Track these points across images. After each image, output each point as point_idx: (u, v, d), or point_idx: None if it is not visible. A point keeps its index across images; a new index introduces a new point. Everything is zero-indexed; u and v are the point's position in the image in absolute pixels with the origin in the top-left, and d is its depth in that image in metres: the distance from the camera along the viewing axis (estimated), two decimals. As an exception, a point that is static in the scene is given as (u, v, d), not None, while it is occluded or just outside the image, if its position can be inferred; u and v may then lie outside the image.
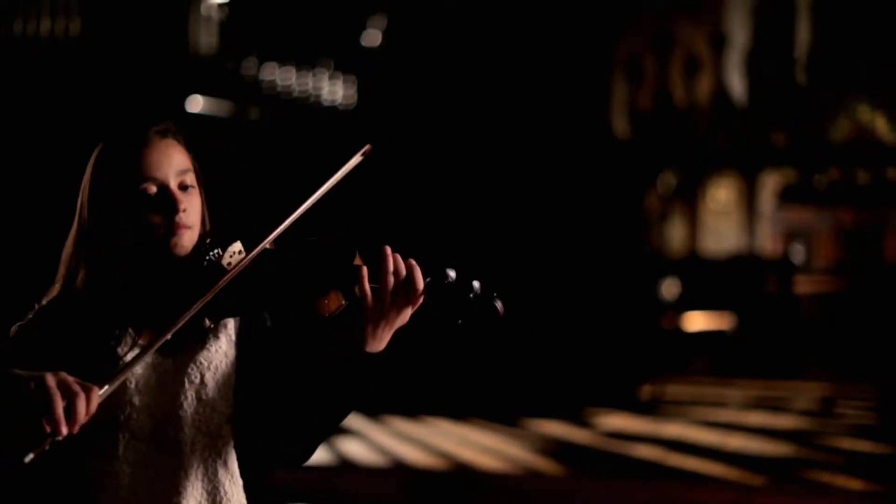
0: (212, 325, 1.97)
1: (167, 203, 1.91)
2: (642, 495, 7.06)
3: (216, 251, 1.91)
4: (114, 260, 1.92)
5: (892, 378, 12.06)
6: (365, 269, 1.88)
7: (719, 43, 17.08)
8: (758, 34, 17.50)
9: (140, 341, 1.92)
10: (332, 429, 1.95)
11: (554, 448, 8.35)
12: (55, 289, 1.97)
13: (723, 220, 17.29)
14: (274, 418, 1.94)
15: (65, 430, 1.63)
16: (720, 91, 17.19)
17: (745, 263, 16.02)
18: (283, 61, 12.04)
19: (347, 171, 1.96)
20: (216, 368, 1.95)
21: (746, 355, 13.70)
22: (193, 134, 2.04)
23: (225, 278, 1.84)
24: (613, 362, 11.05)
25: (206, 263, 1.90)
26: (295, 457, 1.97)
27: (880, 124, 17.29)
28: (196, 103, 10.83)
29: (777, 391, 11.33)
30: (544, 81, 12.32)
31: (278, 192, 9.47)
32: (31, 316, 1.95)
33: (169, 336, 1.80)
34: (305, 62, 12.27)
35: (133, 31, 10.41)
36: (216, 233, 1.99)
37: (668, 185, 17.12)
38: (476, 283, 1.86)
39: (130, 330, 1.93)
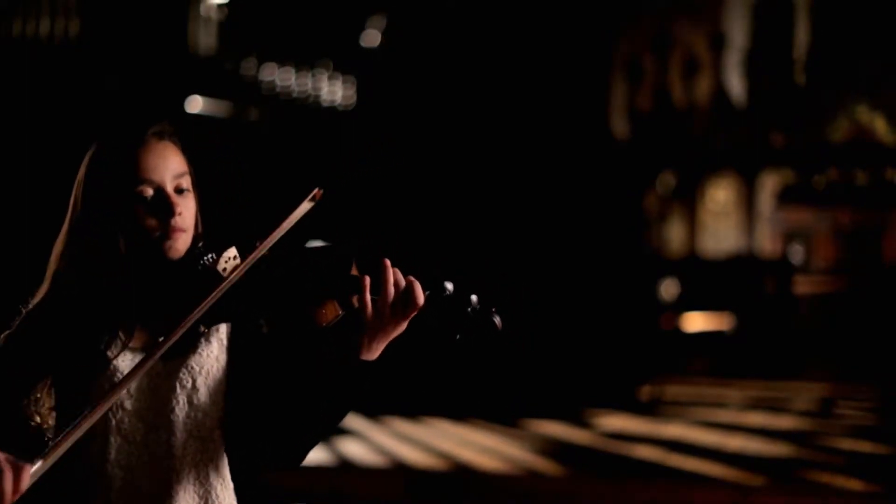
0: (205, 331, 1.96)
1: (163, 206, 1.89)
2: (642, 495, 7.05)
3: (210, 256, 1.89)
4: (106, 261, 1.91)
5: (892, 378, 12.07)
6: (367, 280, 1.87)
7: (719, 43, 17.09)
8: (757, 35, 17.51)
9: (130, 344, 1.91)
10: (324, 434, 1.94)
11: (554, 448, 8.34)
12: (43, 288, 1.95)
13: (722, 221, 17.29)
14: (265, 424, 1.93)
15: None
16: (719, 91, 17.21)
17: (744, 264, 16.04)
18: (282, 62, 12.05)
19: (300, 213, 1.93)
20: (208, 373, 1.94)
21: (746, 356, 13.70)
22: (192, 134, 2.04)
23: (222, 287, 1.83)
24: (613, 363, 11.05)
25: (200, 268, 1.88)
26: (286, 461, 1.96)
27: (879, 125, 17.30)
28: (195, 104, 10.83)
29: (776, 392, 11.33)
30: (544, 82, 12.33)
31: (278, 193, 9.46)
32: (18, 322, 1.93)
33: (154, 360, 1.79)
34: (305, 63, 12.28)
35: (132, 32, 10.41)
36: (210, 235, 1.99)
37: (667, 185, 17.13)
38: (474, 298, 1.85)
39: (121, 333, 1.91)
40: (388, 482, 7.30)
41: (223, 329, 1.99)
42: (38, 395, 1.93)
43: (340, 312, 1.89)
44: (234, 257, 1.90)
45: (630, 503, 6.98)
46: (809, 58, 17.53)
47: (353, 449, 8.06)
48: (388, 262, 1.88)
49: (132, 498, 1.91)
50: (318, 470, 6.84)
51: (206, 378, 1.94)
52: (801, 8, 17.63)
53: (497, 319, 1.85)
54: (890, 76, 17.08)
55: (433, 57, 12.36)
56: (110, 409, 1.89)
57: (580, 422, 9.40)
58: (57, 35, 10.55)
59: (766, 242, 17.26)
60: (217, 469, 1.95)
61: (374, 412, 9.27)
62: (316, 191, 1.92)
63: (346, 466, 7.58)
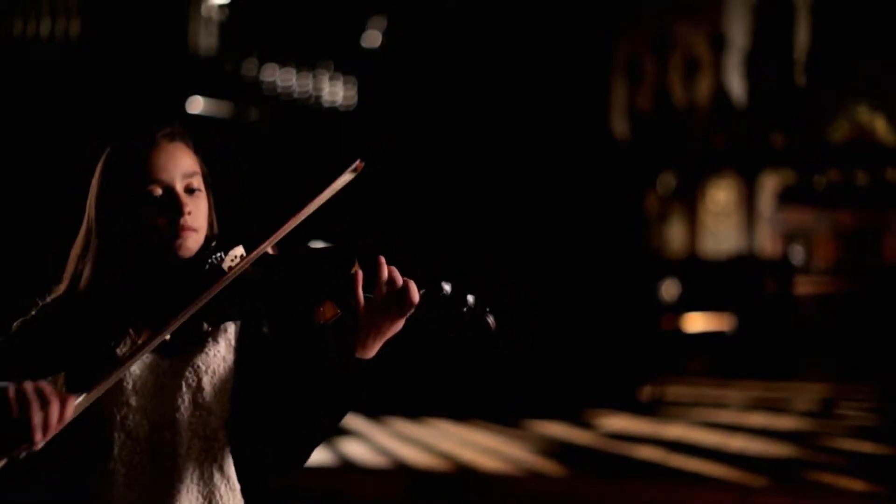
0: (210, 329, 1.97)
1: (172, 205, 1.91)
2: (643, 496, 7.05)
3: (219, 255, 1.91)
4: (118, 261, 1.93)
5: (893, 379, 12.07)
6: (360, 276, 1.88)
7: (719, 44, 17.09)
8: (757, 35, 17.53)
9: (140, 342, 1.92)
10: (325, 434, 1.95)
11: (555, 449, 8.34)
12: (61, 288, 1.98)
13: (722, 221, 17.30)
14: (269, 424, 1.94)
15: (38, 438, 1.64)
16: (720, 92, 17.21)
17: (744, 264, 16.04)
18: (283, 62, 12.05)
19: (340, 186, 1.95)
20: (214, 373, 1.95)
21: (746, 356, 13.71)
22: (193, 135, 2.05)
23: (220, 282, 1.84)
24: (614, 363, 11.05)
25: (207, 267, 1.90)
26: (290, 462, 1.96)
27: (879, 125, 17.31)
28: (196, 104, 10.83)
29: (777, 392, 11.33)
30: (544, 82, 12.33)
31: (278, 194, 9.46)
32: (33, 312, 1.95)
33: (159, 340, 1.80)
34: (306, 63, 12.28)
35: (133, 32, 10.41)
36: (224, 237, 2.00)
37: (667, 185, 17.13)
38: (471, 298, 1.87)
39: (131, 331, 1.93)
40: (390, 482, 7.31)
41: (231, 329, 1.99)
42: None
43: (338, 311, 1.90)
44: (241, 256, 1.91)
45: (631, 503, 6.99)
46: (810, 58, 17.55)
47: (355, 449, 8.06)
48: (384, 260, 1.90)
49: (135, 495, 1.91)
50: (319, 470, 6.83)
51: (212, 377, 1.95)
52: (801, 8, 17.64)
53: (491, 319, 1.87)
54: (890, 76, 17.09)
55: (434, 58, 12.36)
56: (115, 405, 1.90)
57: (581, 422, 9.40)
58: (57, 35, 10.55)
59: (767, 243, 17.27)
60: (221, 469, 1.95)
61: (375, 412, 9.27)
62: (358, 162, 1.94)
63: (347, 467, 7.59)
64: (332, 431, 1.95)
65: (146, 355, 1.91)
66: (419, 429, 9.03)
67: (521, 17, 12.42)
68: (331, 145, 11.80)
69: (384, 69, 12.64)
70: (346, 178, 1.94)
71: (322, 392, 1.90)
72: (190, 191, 1.95)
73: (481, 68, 12.21)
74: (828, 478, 7.32)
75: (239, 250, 1.93)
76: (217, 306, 1.87)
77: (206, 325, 1.96)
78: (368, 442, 8.38)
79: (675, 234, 17.23)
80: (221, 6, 11.24)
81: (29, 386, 1.66)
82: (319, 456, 2.04)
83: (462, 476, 7.47)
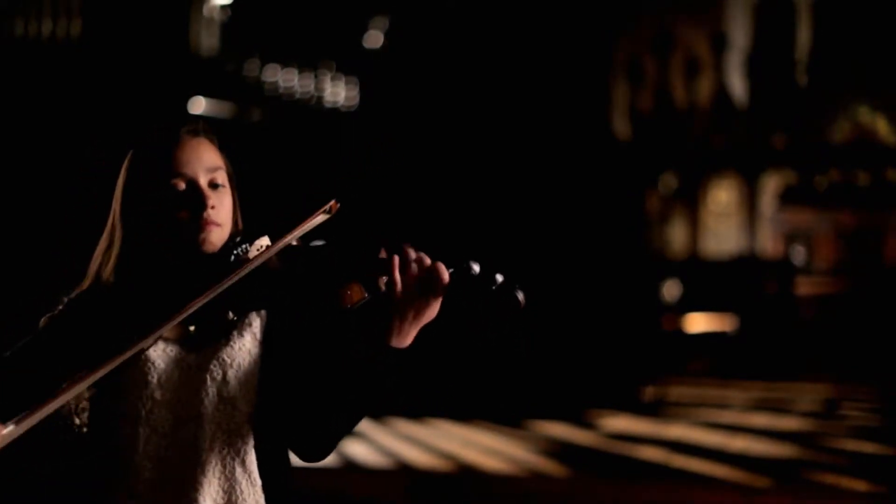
0: (235, 318, 1.96)
1: (196, 199, 1.92)
2: (646, 496, 7.05)
3: (244, 247, 1.93)
4: (143, 256, 1.95)
5: (894, 379, 12.07)
6: (396, 259, 1.88)
7: (720, 44, 17.09)
8: (758, 36, 17.53)
9: (164, 336, 1.92)
10: (351, 426, 1.94)
11: (557, 449, 8.34)
12: (85, 283, 1.99)
13: (723, 222, 17.30)
14: (295, 418, 1.94)
15: None
16: (721, 92, 17.21)
17: (745, 265, 16.04)
18: (285, 63, 12.05)
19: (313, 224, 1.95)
20: (239, 366, 1.94)
21: (747, 356, 13.71)
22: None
23: (242, 268, 1.84)
24: (615, 364, 11.04)
25: (232, 259, 1.91)
26: (314, 454, 1.96)
27: (881, 126, 17.31)
28: (198, 105, 10.82)
29: (779, 392, 11.33)
30: (545, 82, 12.32)
31: (279, 195, 9.46)
32: (60, 308, 1.96)
33: (177, 321, 1.80)
34: (307, 64, 12.28)
35: (134, 33, 10.40)
36: (249, 231, 2.00)
37: (668, 186, 17.13)
38: (499, 276, 1.87)
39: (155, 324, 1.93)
40: (391, 483, 7.31)
41: (256, 322, 1.98)
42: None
43: (366, 295, 1.89)
44: (266, 246, 1.91)
45: (633, 504, 6.99)
46: (811, 58, 17.55)
47: (357, 449, 8.06)
48: (409, 245, 1.90)
49: (159, 489, 1.90)
50: (320, 470, 6.82)
51: (237, 371, 1.93)
52: (802, 8, 17.64)
53: (521, 295, 1.86)
54: (891, 77, 17.09)
55: (435, 58, 12.36)
56: (140, 399, 1.90)
57: (583, 423, 9.40)
58: (59, 35, 10.55)
59: (768, 243, 17.27)
60: (244, 464, 1.94)
61: (377, 413, 9.26)
62: (332, 203, 1.94)
63: (348, 467, 7.59)
64: (358, 422, 1.94)
65: (171, 349, 1.91)
66: (421, 429, 9.03)
67: (522, 18, 12.42)
68: (333, 146, 11.80)
69: (386, 70, 12.64)
70: (315, 221, 1.94)
71: (352, 381, 1.89)
72: (214, 186, 1.96)
73: (482, 69, 12.21)
74: (830, 478, 7.32)
75: (264, 240, 1.94)
76: (241, 295, 1.87)
77: (230, 314, 1.96)
78: (370, 442, 8.38)
79: (676, 235, 17.24)
80: (223, 7, 11.24)
81: None
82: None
83: (464, 476, 7.47)
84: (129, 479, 1.91)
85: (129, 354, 1.77)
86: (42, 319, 1.95)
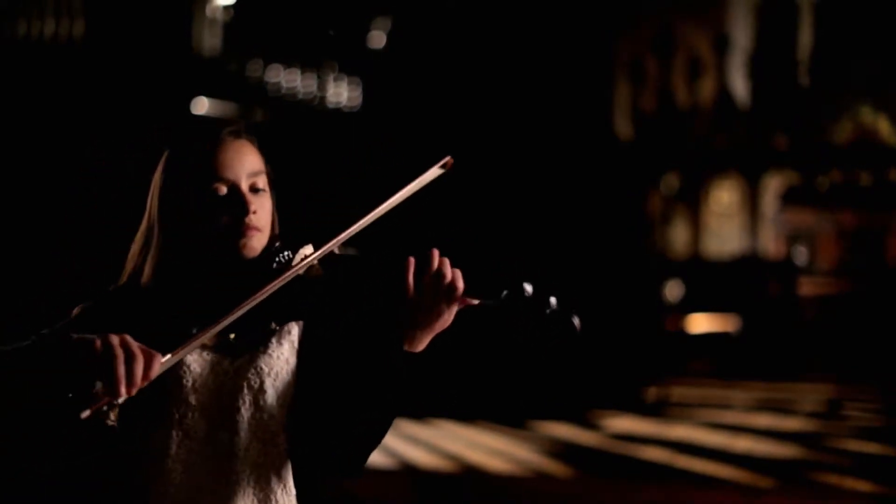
0: (276, 328, 1.94)
1: (237, 204, 1.89)
2: (650, 497, 7.06)
3: (286, 253, 1.90)
4: (182, 258, 1.91)
5: (896, 380, 12.08)
6: (412, 262, 1.87)
7: (722, 45, 17.09)
8: (760, 36, 17.52)
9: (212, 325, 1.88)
10: (382, 431, 1.91)
11: (561, 450, 8.34)
12: (121, 281, 1.96)
13: (725, 222, 17.30)
14: (330, 427, 1.90)
15: (123, 391, 1.63)
16: (723, 93, 17.21)
17: (747, 265, 16.03)
18: (287, 63, 12.04)
19: (423, 182, 1.95)
20: (276, 375, 1.91)
21: (750, 357, 13.70)
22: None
23: (286, 275, 1.82)
24: (618, 364, 11.04)
25: (275, 265, 1.88)
26: (351, 466, 1.93)
27: (882, 126, 17.31)
28: (201, 105, 10.82)
29: (782, 393, 11.33)
30: (547, 83, 12.32)
31: (280, 195, 9.44)
32: (96, 300, 1.93)
33: (235, 318, 1.78)
34: (310, 64, 12.27)
35: (137, 33, 10.40)
36: (287, 236, 1.97)
37: (670, 186, 17.13)
38: (553, 299, 1.85)
39: (194, 329, 1.87)
40: (396, 484, 7.30)
41: (295, 331, 1.96)
42: None
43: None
44: (310, 255, 1.89)
45: (637, 504, 6.99)
46: (813, 59, 17.54)
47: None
48: (437, 252, 1.88)
49: (190, 495, 1.88)
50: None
51: (274, 380, 1.91)
52: (804, 9, 17.63)
53: (577, 321, 1.85)
54: (893, 77, 17.09)
55: (438, 59, 12.36)
56: (174, 403, 1.88)
57: (587, 423, 9.40)
58: (61, 36, 10.54)
59: (770, 244, 17.26)
60: (279, 474, 1.91)
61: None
62: (448, 159, 1.93)
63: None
64: (387, 427, 1.92)
65: (208, 354, 1.89)
66: (426, 430, 9.02)
67: (524, 18, 12.42)
68: (335, 146, 11.80)
69: (388, 70, 12.64)
70: (433, 174, 1.93)
71: (374, 387, 1.87)
72: (255, 190, 1.93)
73: (484, 69, 12.21)
74: (834, 479, 7.32)
75: (308, 248, 1.91)
76: (284, 303, 1.85)
77: (273, 324, 1.93)
78: (374, 443, 8.37)
79: (678, 235, 17.23)
80: (226, 7, 11.24)
81: (115, 339, 1.65)
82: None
83: (467, 477, 7.47)
84: (158, 482, 1.88)
85: (198, 343, 1.77)
86: (76, 308, 1.92)
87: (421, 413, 9.40)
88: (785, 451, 8.23)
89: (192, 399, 1.89)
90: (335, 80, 12.58)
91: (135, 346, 1.66)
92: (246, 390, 1.90)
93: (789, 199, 17.31)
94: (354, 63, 12.62)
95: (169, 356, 1.71)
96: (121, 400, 1.65)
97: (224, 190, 1.90)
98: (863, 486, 7.16)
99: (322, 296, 1.89)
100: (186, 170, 1.91)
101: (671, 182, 17.09)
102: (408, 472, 7.53)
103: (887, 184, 17.10)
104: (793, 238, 17.22)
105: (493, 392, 9.87)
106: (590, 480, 7.62)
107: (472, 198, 11.69)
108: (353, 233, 1.88)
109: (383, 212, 1.91)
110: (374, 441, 1.92)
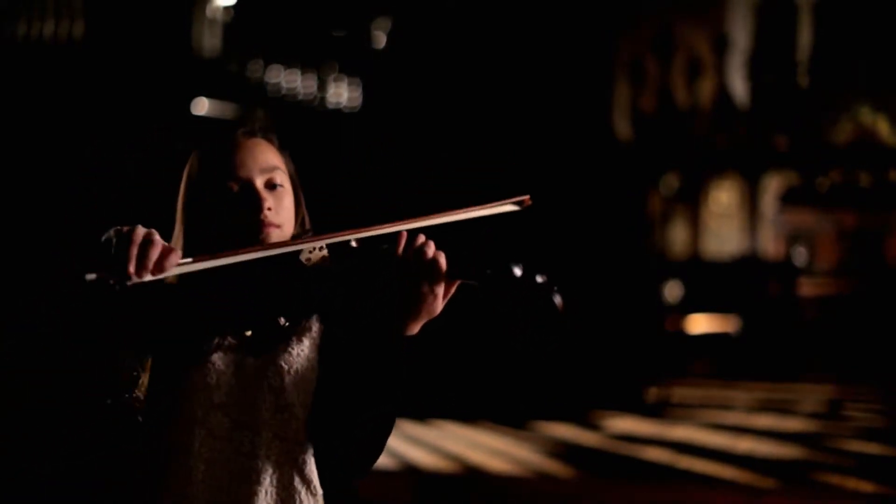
0: (287, 324, 1.93)
1: (251, 201, 1.91)
2: (651, 497, 7.05)
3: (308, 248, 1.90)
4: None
5: (897, 380, 12.08)
6: (404, 236, 1.86)
7: (721, 45, 17.09)
8: (760, 36, 17.52)
9: (226, 341, 1.91)
10: (391, 428, 1.92)
11: (562, 450, 8.34)
12: None
13: (725, 223, 17.29)
14: (348, 423, 1.89)
15: (132, 270, 1.66)
16: (722, 93, 17.21)
17: (747, 266, 16.03)
18: (288, 63, 12.05)
19: (492, 212, 1.95)
20: (297, 373, 1.90)
21: (750, 357, 13.71)
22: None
23: (286, 246, 1.82)
24: (618, 365, 11.04)
25: (303, 261, 1.89)
26: (368, 463, 1.93)
27: (882, 126, 17.31)
28: (201, 105, 10.82)
29: (783, 393, 11.33)
30: (546, 83, 12.33)
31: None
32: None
33: (259, 255, 1.81)
34: (310, 64, 12.28)
35: (137, 33, 10.40)
36: (319, 232, 1.96)
37: (670, 187, 17.12)
38: (539, 278, 1.86)
39: (218, 329, 1.91)
40: (397, 484, 7.29)
41: (315, 328, 1.95)
42: (138, 374, 1.92)
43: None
44: (321, 248, 1.89)
45: (640, 505, 6.99)
46: (812, 59, 17.54)
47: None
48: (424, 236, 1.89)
49: (212, 492, 1.87)
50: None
51: (294, 378, 1.90)
52: (804, 9, 17.64)
53: (558, 299, 1.84)
54: (893, 78, 17.09)
55: (438, 59, 12.36)
56: (197, 401, 1.88)
57: (588, 424, 9.40)
58: (62, 36, 10.55)
59: (770, 244, 17.26)
60: (302, 474, 1.90)
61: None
62: (525, 197, 1.94)
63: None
64: (394, 422, 1.92)
65: (230, 352, 1.89)
66: (427, 430, 9.02)
67: (524, 18, 12.42)
68: (336, 146, 11.79)
69: (388, 70, 12.64)
70: (505, 207, 1.94)
71: (383, 379, 1.86)
72: (272, 186, 1.95)
73: (484, 69, 12.21)
74: (836, 479, 7.31)
75: (323, 250, 1.91)
76: (293, 298, 1.86)
77: (282, 321, 1.93)
78: (375, 443, 8.36)
79: (677, 236, 17.23)
80: (226, 7, 11.24)
81: (141, 228, 1.71)
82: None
83: (469, 477, 7.47)
84: (180, 479, 1.88)
85: (221, 261, 1.79)
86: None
87: (422, 414, 9.39)
88: (786, 452, 8.23)
89: (216, 397, 1.88)
90: (335, 80, 12.58)
91: (157, 238, 1.71)
92: (267, 389, 1.89)
93: (789, 199, 17.31)
94: (354, 63, 12.63)
95: (190, 260, 1.74)
96: (130, 282, 1.68)
97: (237, 188, 1.93)
98: (864, 486, 7.15)
99: (335, 288, 1.89)
100: (204, 171, 1.95)
101: (671, 182, 17.08)
102: (409, 473, 7.52)
103: (887, 184, 17.11)
104: (792, 238, 17.23)
105: (494, 392, 9.87)
106: (591, 481, 7.62)
107: (472, 198, 11.68)
108: (495, 213, 1.88)
109: (435, 223, 1.93)
110: (387, 435, 1.93)
